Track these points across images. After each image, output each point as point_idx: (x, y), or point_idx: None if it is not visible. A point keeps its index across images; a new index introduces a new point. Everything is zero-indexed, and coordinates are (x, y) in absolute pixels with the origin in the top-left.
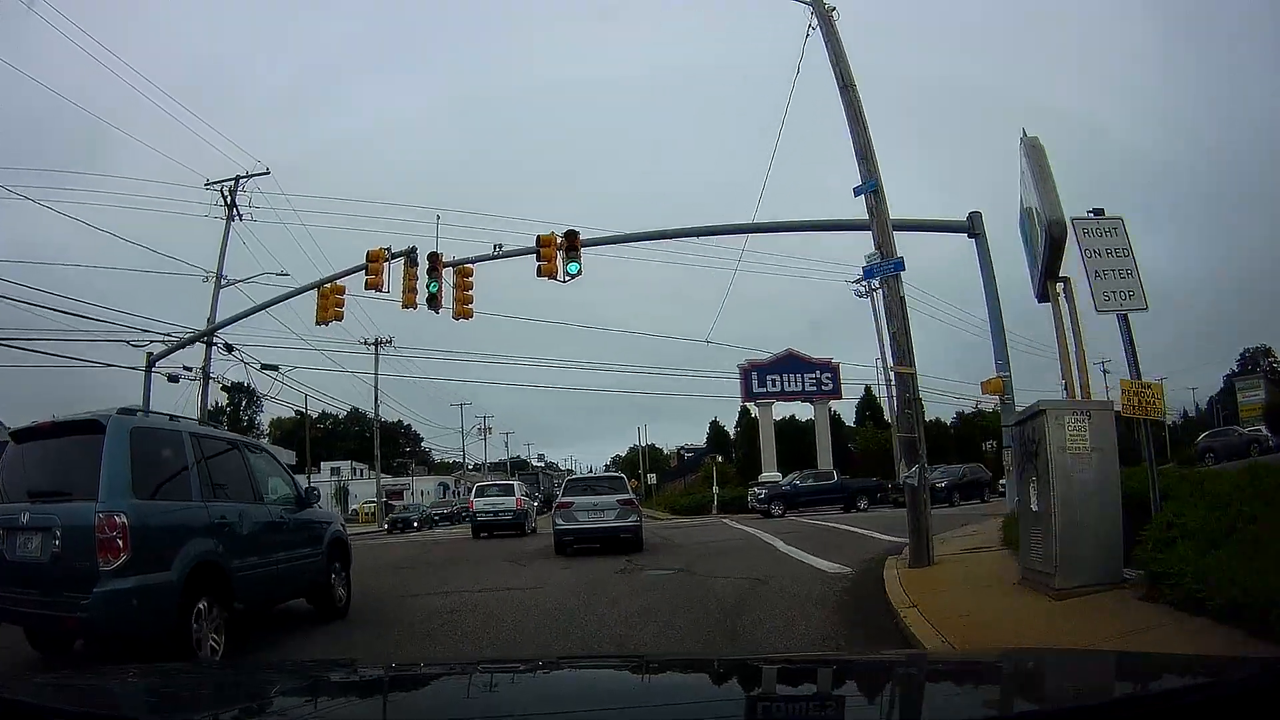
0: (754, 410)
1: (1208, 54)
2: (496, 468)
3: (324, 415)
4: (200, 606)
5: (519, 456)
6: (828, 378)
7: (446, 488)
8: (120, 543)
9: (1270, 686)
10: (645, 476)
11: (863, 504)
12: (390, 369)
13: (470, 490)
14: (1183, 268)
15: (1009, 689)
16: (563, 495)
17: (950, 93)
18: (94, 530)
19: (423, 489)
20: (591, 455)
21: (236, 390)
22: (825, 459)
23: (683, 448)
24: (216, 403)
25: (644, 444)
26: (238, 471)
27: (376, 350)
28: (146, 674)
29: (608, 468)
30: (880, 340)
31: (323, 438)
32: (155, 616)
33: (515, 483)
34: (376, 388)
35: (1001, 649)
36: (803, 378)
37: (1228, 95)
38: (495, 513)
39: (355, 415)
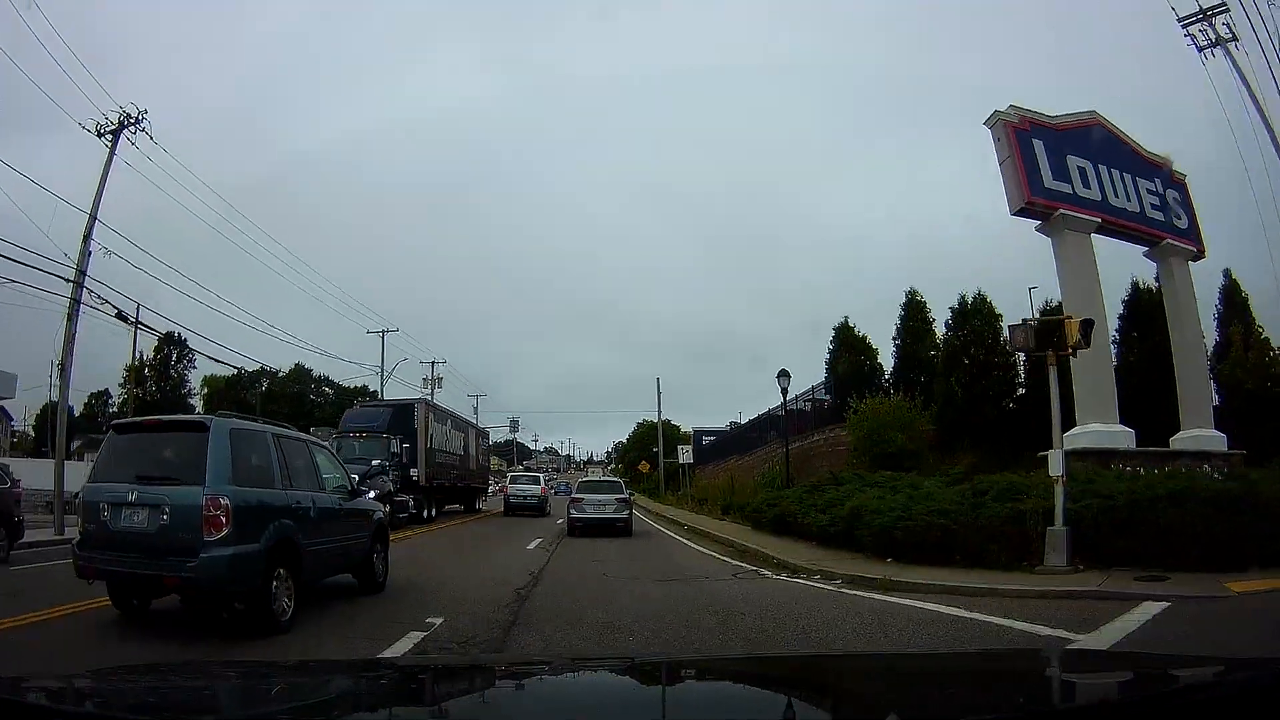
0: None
1: None
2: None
3: (262, 371)
4: (278, 573)
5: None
6: (1175, 199)
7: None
8: (223, 519)
9: (1273, 687)
10: (677, 453)
11: None
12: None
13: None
14: None
15: (1011, 689)
16: (575, 493)
17: None
18: (201, 509)
19: None
20: (592, 441)
21: (166, 342)
22: (1201, 401)
23: (701, 430)
24: (141, 355)
25: (660, 415)
26: (306, 465)
27: (115, 140)
28: (147, 674)
29: (609, 454)
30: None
31: (260, 398)
32: (245, 578)
33: (540, 475)
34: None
35: (1004, 649)
36: (1134, 184)
37: None
38: (524, 497)
39: (299, 373)
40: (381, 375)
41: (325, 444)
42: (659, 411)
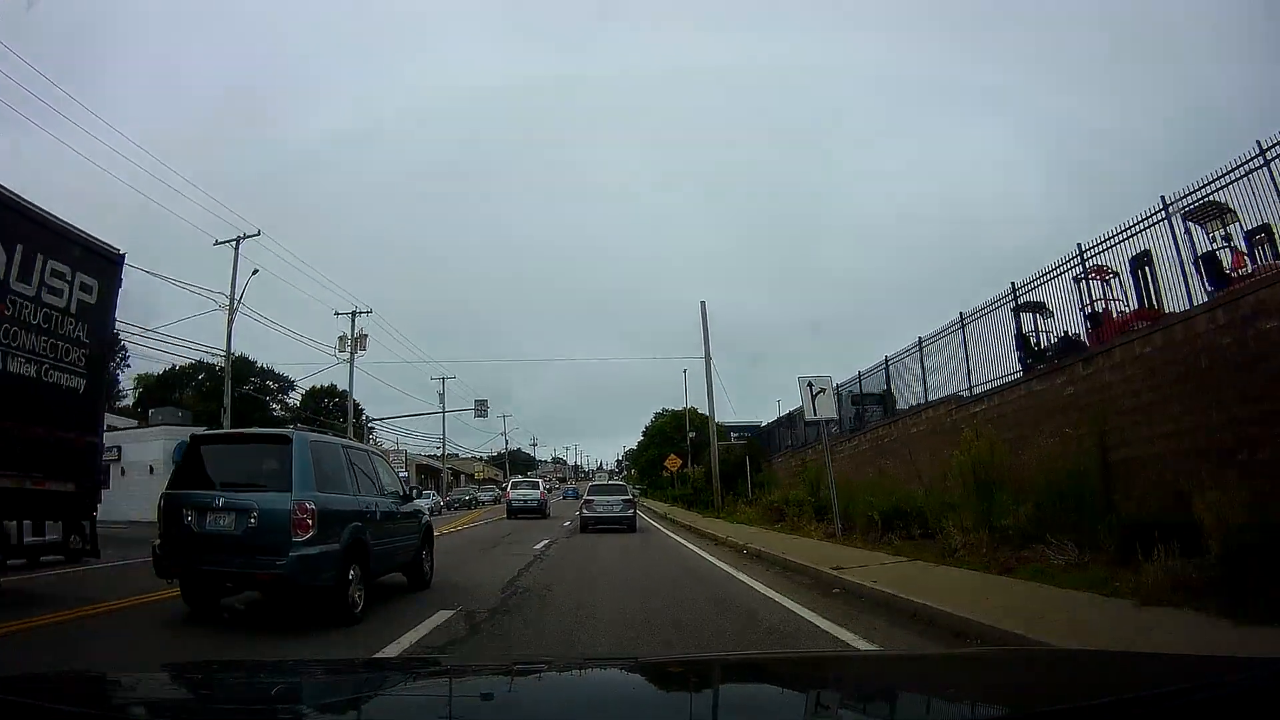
0: None
1: None
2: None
3: (199, 365)
4: (352, 570)
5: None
6: None
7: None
8: (309, 521)
9: (1273, 687)
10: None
11: None
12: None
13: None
14: None
15: (1008, 689)
16: (587, 495)
17: None
18: (290, 513)
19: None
20: (601, 449)
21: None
22: None
23: (726, 426)
24: None
25: (710, 360)
26: (369, 472)
27: None
28: (146, 674)
29: (619, 461)
30: None
31: (205, 394)
32: (327, 574)
33: (539, 480)
34: None
35: (999, 648)
36: None
37: None
38: (525, 501)
39: (241, 365)
40: (231, 300)
41: (380, 453)
42: (707, 358)
